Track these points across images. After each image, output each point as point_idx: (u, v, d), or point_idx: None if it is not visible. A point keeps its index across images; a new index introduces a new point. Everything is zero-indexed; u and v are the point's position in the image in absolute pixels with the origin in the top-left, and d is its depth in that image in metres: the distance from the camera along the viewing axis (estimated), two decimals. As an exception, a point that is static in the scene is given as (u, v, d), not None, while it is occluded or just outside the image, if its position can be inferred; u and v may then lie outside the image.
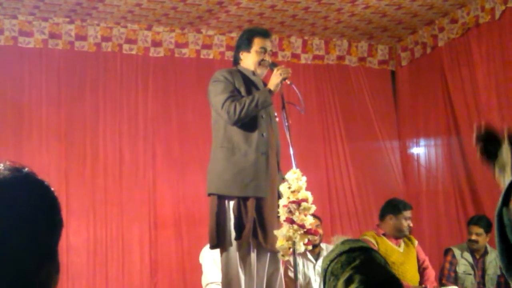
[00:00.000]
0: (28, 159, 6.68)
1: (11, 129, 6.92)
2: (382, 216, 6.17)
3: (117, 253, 7.11)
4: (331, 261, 2.32)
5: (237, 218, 4.46)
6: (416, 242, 6.23)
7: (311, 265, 6.28)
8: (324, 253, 6.35)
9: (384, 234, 6.06)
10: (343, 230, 7.89)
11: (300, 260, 6.20)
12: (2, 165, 1.29)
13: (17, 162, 1.32)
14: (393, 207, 6.13)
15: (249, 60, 4.75)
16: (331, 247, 6.35)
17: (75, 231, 6.89)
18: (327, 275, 2.30)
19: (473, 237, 6.37)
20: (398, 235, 6.07)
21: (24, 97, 7.01)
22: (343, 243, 2.38)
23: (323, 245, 6.45)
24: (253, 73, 4.75)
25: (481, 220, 6.38)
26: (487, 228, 6.29)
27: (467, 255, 6.43)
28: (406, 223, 6.07)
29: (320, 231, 6.41)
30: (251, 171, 4.50)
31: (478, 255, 6.43)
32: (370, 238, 5.94)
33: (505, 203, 1.38)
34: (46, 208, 1.31)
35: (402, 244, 6.11)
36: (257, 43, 4.75)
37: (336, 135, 8.16)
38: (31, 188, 1.30)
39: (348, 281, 2.19)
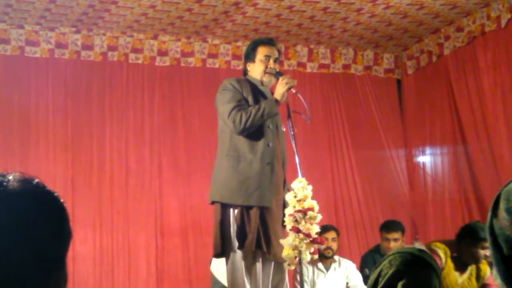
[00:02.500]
0: (35, 168, 6.70)
1: (17, 138, 6.95)
2: (459, 239, 5.50)
3: (123, 262, 7.11)
4: (397, 252, 2.38)
5: (239, 227, 4.45)
6: (487, 273, 5.52)
7: (321, 275, 6.27)
8: (337, 265, 6.34)
9: (454, 257, 5.49)
10: (349, 238, 7.89)
11: (310, 268, 6.21)
12: (11, 176, 1.29)
13: (27, 173, 1.32)
14: (473, 233, 5.41)
15: (255, 70, 4.75)
16: (345, 260, 6.36)
17: (82, 240, 6.89)
18: (385, 261, 2.35)
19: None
20: (470, 262, 5.49)
21: (31, 107, 7.04)
22: (419, 250, 2.43)
23: (336, 257, 6.44)
24: (261, 83, 4.75)
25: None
26: None
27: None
28: (483, 252, 5.38)
29: (335, 244, 6.38)
30: (256, 181, 4.49)
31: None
32: (441, 253, 5.46)
33: (494, 214, 1.42)
34: (55, 220, 1.31)
35: (466, 274, 5.51)
36: (261, 51, 4.74)
37: (342, 143, 8.16)
38: (40, 200, 1.30)
39: (397, 274, 2.28)
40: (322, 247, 6.08)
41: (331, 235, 6.31)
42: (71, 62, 7.26)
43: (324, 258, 6.26)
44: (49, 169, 6.92)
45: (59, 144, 7.08)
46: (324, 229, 6.12)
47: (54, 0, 6.52)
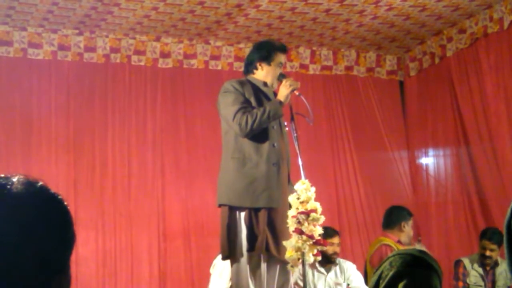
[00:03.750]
0: (37, 170, 6.71)
1: (20, 140, 6.95)
2: (395, 223, 5.97)
3: (126, 264, 7.11)
4: (398, 254, 2.37)
5: (249, 229, 4.45)
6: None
7: (322, 277, 6.26)
8: (337, 267, 6.32)
9: (399, 242, 5.88)
10: (352, 240, 7.88)
11: (309, 271, 6.19)
12: (16, 179, 1.29)
13: (31, 175, 1.32)
14: (404, 214, 6.00)
15: (268, 73, 4.73)
16: (345, 262, 6.35)
17: (84, 242, 6.89)
18: (385, 263, 2.34)
19: (487, 253, 6.28)
20: (410, 242, 5.94)
21: (33, 109, 7.05)
22: (420, 251, 2.41)
23: (337, 259, 6.42)
24: (264, 84, 4.73)
25: (494, 234, 6.23)
26: (500, 242, 6.20)
27: (477, 266, 6.39)
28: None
29: (339, 248, 6.36)
30: (263, 182, 4.48)
31: (488, 267, 6.39)
32: (392, 246, 5.77)
33: None
34: (59, 223, 1.31)
35: None
36: (278, 57, 4.75)
37: (345, 145, 8.15)
38: (44, 203, 1.30)
39: (398, 276, 2.26)
40: (329, 252, 6.09)
41: (337, 240, 6.29)
42: (74, 64, 7.26)
43: (330, 262, 6.25)
44: (51, 171, 6.93)
45: (61, 146, 7.08)
46: (330, 234, 6.12)
47: (57, 2, 6.52)
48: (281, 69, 4.77)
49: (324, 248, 4.61)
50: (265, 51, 4.77)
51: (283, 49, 4.84)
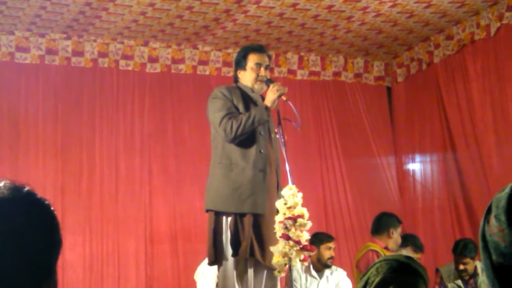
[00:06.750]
0: (24, 174, 6.68)
1: (7, 144, 6.93)
2: (384, 230, 5.97)
3: (113, 269, 7.09)
4: (384, 260, 2.36)
5: (233, 235, 4.46)
6: None
7: (315, 282, 6.27)
8: (329, 272, 6.33)
9: (386, 248, 5.88)
10: (339, 245, 7.88)
11: (303, 275, 6.21)
12: (2, 184, 1.29)
13: (17, 179, 1.32)
14: (394, 220, 6.01)
15: (246, 78, 4.76)
16: (338, 269, 6.37)
17: (71, 247, 6.86)
18: (372, 269, 2.34)
19: (461, 267, 6.25)
20: (397, 249, 5.95)
21: (21, 113, 7.02)
22: (406, 257, 2.41)
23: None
24: (252, 90, 4.75)
25: (465, 249, 6.21)
26: (473, 252, 6.16)
27: (455, 277, 6.35)
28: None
29: (333, 253, 6.37)
30: (248, 188, 4.49)
31: (466, 277, 6.32)
32: (379, 251, 5.78)
33: (486, 220, 1.43)
34: (45, 228, 1.31)
35: None
36: (251, 59, 4.75)
37: (332, 151, 8.17)
38: (31, 208, 1.30)
39: (385, 282, 2.25)
40: (327, 256, 6.12)
41: (334, 244, 6.34)
42: (62, 69, 7.24)
43: (326, 267, 6.27)
44: (38, 175, 6.90)
45: (49, 151, 7.06)
46: (328, 238, 6.18)
47: (45, 6, 6.51)
48: (260, 69, 4.73)
49: (311, 254, 4.62)
50: (240, 57, 4.82)
51: (257, 49, 4.82)
